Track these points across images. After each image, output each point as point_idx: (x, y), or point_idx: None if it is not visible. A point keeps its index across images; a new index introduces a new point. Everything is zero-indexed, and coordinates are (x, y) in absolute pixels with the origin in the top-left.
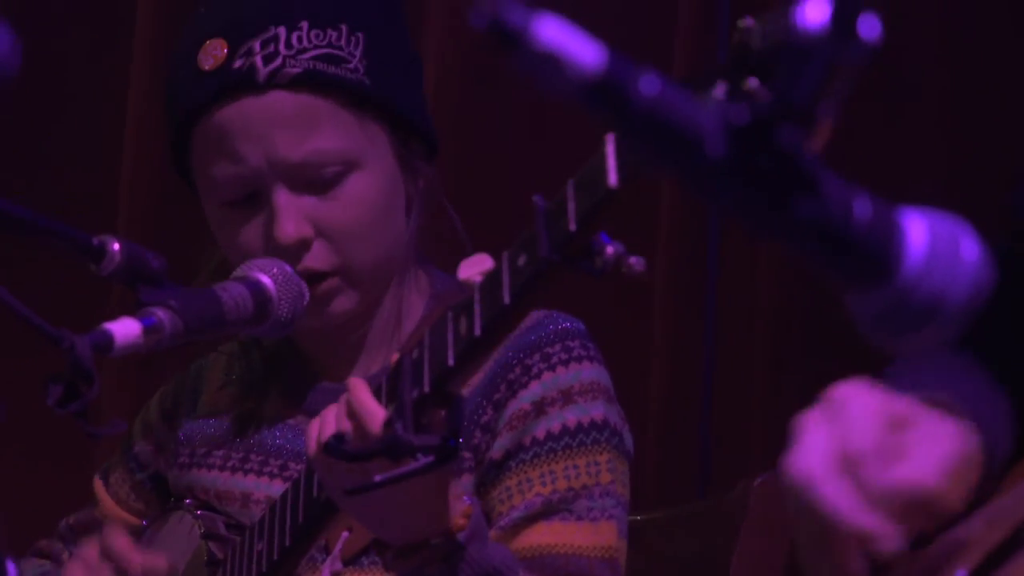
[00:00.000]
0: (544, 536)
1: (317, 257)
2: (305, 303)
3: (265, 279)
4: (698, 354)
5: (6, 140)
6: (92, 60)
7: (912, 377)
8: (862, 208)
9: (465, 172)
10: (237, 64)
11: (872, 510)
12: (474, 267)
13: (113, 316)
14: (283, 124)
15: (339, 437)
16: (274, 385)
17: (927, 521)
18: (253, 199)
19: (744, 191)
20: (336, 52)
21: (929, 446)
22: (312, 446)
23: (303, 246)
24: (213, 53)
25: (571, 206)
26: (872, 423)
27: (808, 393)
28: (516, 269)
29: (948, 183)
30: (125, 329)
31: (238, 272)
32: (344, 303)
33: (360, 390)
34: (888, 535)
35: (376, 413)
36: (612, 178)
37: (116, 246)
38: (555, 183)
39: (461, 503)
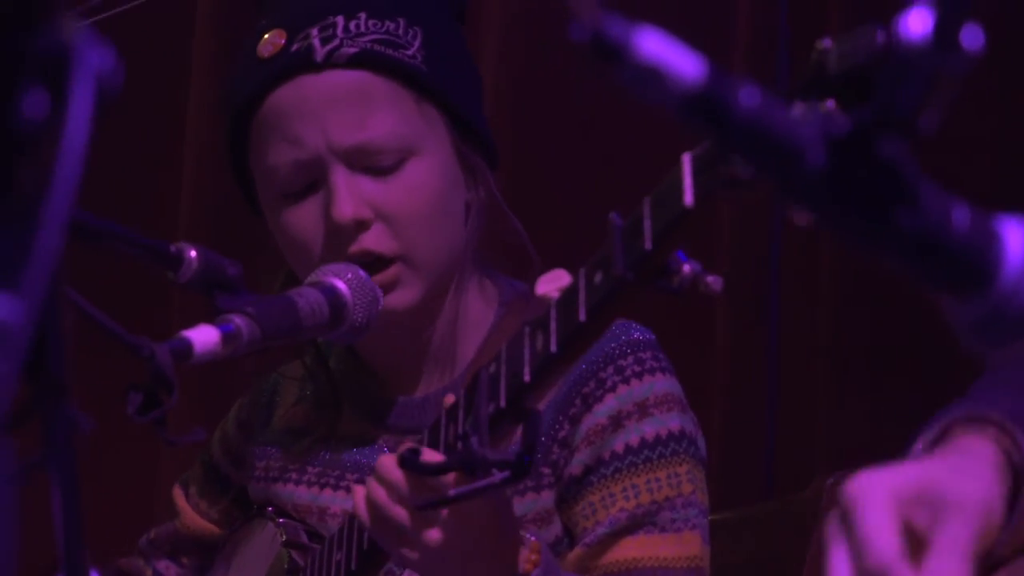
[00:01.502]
0: (631, 551)
1: (377, 239)
2: (379, 308)
3: (340, 284)
4: (761, 355)
5: None
6: (151, 72)
7: (991, 396)
8: (961, 217)
9: (520, 187)
10: (295, 48)
11: None
12: (551, 283)
13: (182, 323)
14: (341, 103)
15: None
16: (347, 403)
17: None
18: (311, 189)
19: (844, 202)
20: (394, 39)
21: (951, 530)
22: (363, 511)
23: (361, 227)
24: (272, 42)
25: (647, 224)
26: (884, 530)
27: (871, 393)
28: (592, 287)
29: (994, 187)
30: (204, 337)
31: (312, 277)
32: (406, 295)
33: (389, 470)
34: None
35: (402, 489)
36: (688, 197)
37: (193, 253)
38: (607, 197)
39: (527, 543)
